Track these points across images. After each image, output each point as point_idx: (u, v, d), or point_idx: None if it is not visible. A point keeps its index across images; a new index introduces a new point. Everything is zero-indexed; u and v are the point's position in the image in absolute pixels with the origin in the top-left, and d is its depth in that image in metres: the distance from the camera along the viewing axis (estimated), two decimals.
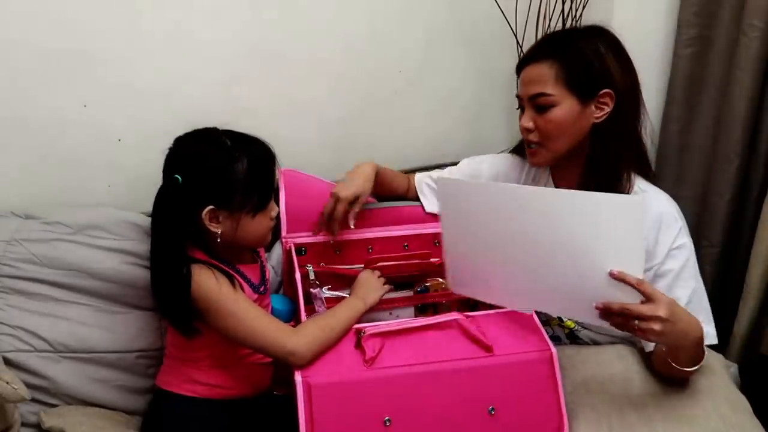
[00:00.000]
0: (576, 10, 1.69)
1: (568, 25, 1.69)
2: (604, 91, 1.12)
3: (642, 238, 0.96)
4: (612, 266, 0.96)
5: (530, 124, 1.17)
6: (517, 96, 1.21)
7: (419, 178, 1.43)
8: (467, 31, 1.73)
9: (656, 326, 0.93)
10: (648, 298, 0.94)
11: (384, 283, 1.25)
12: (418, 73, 1.70)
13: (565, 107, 1.13)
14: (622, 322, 0.96)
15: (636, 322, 0.94)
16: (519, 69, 1.21)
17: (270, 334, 1.02)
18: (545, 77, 1.13)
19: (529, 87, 1.16)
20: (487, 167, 1.36)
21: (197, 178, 1.04)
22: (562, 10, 1.68)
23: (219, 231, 1.06)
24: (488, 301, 1.13)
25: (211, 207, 1.05)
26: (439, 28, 1.69)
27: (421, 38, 1.67)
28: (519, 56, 1.71)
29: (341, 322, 1.06)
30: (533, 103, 1.16)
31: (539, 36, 1.70)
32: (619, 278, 0.95)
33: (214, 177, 1.05)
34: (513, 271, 1.06)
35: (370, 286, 1.21)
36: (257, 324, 1.03)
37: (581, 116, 1.14)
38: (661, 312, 0.93)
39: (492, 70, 1.80)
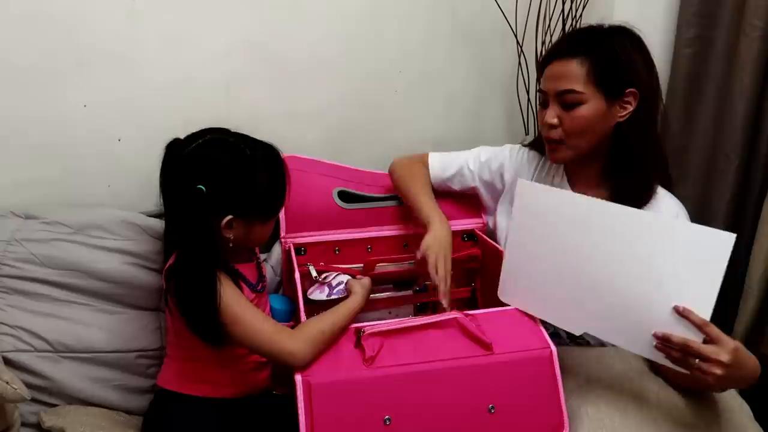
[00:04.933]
0: (576, 10, 1.69)
1: (568, 25, 1.69)
2: (629, 90, 1.12)
3: (721, 279, 0.91)
4: (679, 301, 0.93)
5: (555, 120, 1.14)
6: (541, 91, 1.18)
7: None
8: (467, 31, 1.73)
9: (717, 370, 0.89)
10: (712, 340, 0.91)
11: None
12: (418, 73, 1.70)
13: (591, 106, 1.12)
14: (681, 358, 0.93)
15: (696, 361, 0.91)
16: (545, 63, 1.17)
17: (268, 336, 1.02)
18: (575, 74, 1.11)
19: (557, 82, 1.13)
20: (508, 160, 1.34)
21: (222, 190, 1.04)
22: (562, 10, 1.69)
23: (232, 236, 1.07)
24: (535, 314, 1.11)
25: (230, 216, 1.05)
26: (439, 28, 1.69)
27: (421, 38, 1.68)
28: (519, 56, 1.73)
29: (340, 318, 1.06)
30: (560, 99, 1.14)
31: (539, 36, 1.71)
32: (683, 315, 0.92)
33: (239, 189, 1.05)
34: (574, 288, 1.03)
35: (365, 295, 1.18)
36: (257, 325, 1.03)
37: (607, 115, 1.13)
38: (725, 357, 0.89)
39: (492, 70, 1.80)
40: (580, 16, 1.69)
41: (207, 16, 1.40)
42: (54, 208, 1.26)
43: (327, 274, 1.28)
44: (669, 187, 1.21)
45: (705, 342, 0.91)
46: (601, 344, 1.27)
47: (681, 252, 0.92)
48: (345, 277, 1.25)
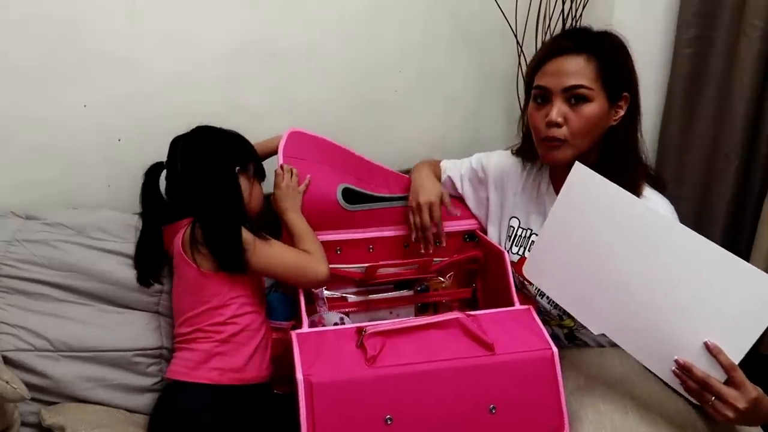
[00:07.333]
0: (576, 10, 1.69)
1: (568, 25, 1.69)
2: (624, 94, 1.11)
3: (762, 329, 0.89)
4: (712, 336, 0.91)
5: (560, 119, 1.09)
6: (542, 87, 1.12)
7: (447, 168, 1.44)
8: (467, 31, 1.73)
9: (730, 413, 0.89)
10: (735, 385, 0.90)
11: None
12: (418, 73, 1.70)
13: (597, 104, 1.09)
14: (698, 391, 0.92)
15: (713, 398, 0.90)
16: (546, 59, 1.13)
17: (302, 263, 1.19)
18: (584, 71, 1.09)
19: (565, 78, 1.09)
20: (493, 164, 1.35)
21: (223, 146, 1.24)
22: (562, 10, 1.69)
23: (242, 188, 1.22)
24: (557, 301, 1.11)
25: (238, 167, 1.23)
26: (439, 28, 1.69)
27: (421, 38, 1.67)
28: (519, 56, 1.73)
29: (310, 230, 1.24)
30: (568, 95, 1.09)
31: (539, 36, 1.71)
32: (713, 352, 0.90)
33: (235, 143, 1.27)
34: (605, 288, 1.01)
35: (289, 195, 1.27)
36: (285, 248, 1.20)
37: (606, 117, 1.11)
38: (742, 404, 0.89)
39: (492, 69, 1.80)
40: (580, 16, 1.70)
41: (207, 16, 1.39)
42: (55, 209, 1.27)
43: (316, 315, 1.28)
44: (662, 189, 1.19)
45: (726, 383, 0.91)
46: (600, 345, 1.27)
47: (731, 289, 0.90)
48: (336, 317, 1.27)
